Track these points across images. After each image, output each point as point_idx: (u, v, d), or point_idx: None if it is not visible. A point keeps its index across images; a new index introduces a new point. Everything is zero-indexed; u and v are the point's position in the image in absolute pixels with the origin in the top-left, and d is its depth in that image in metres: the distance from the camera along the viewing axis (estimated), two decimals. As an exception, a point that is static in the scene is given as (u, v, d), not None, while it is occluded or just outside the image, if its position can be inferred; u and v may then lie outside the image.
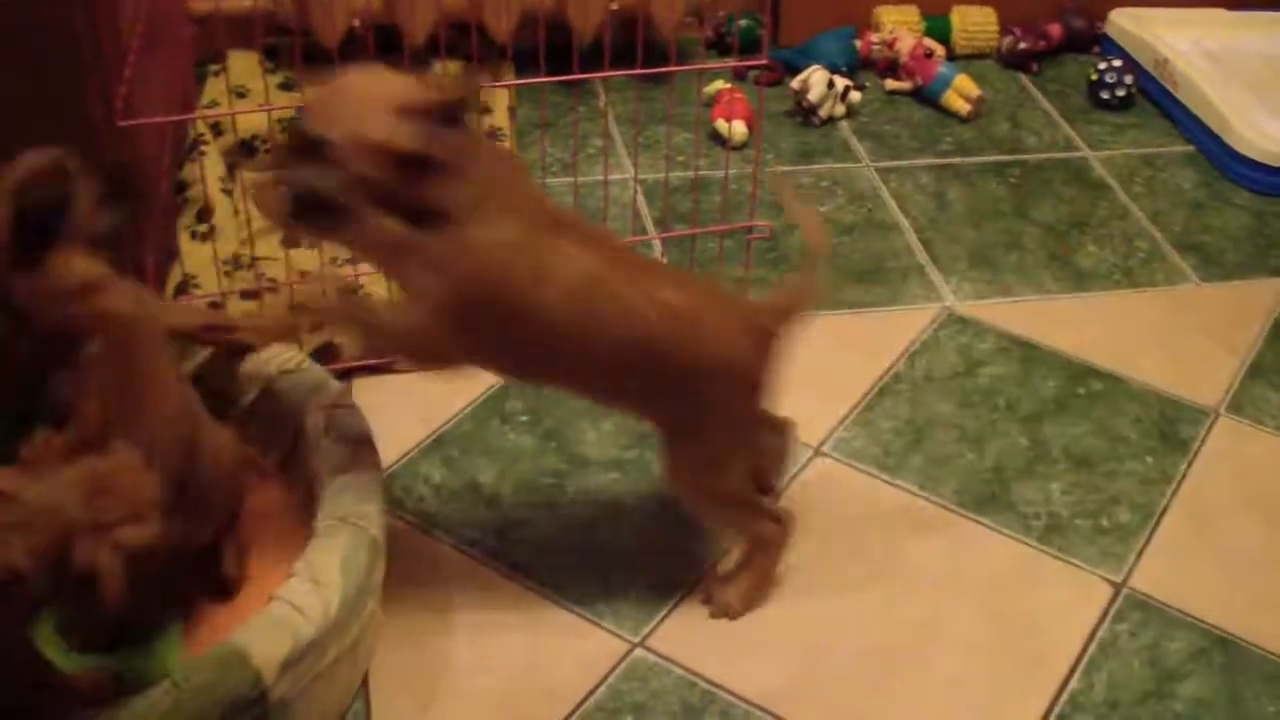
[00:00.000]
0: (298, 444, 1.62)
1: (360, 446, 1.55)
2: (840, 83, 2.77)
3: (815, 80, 2.74)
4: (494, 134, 2.52)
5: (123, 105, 1.80)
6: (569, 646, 1.66)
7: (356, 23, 2.67)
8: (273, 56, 2.76)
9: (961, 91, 2.82)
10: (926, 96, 2.86)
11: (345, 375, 1.99)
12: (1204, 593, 1.79)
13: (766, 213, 2.36)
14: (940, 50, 2.90)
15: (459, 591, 1.72)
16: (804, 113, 2.76)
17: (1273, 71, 2.86)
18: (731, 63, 2.84)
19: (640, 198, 2.47)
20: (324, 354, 2.01)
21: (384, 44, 2.68)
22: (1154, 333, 2.27)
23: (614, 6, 2.72)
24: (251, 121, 2.43)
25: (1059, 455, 2.00)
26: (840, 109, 2.78)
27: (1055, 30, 3.07)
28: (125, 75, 1.86)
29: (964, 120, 2.81)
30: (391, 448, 1.89)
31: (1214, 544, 1.87)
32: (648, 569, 1.77)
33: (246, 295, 2.08)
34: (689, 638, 1.68)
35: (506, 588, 1.73)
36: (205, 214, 2.23)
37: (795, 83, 2.75)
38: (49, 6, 1.67)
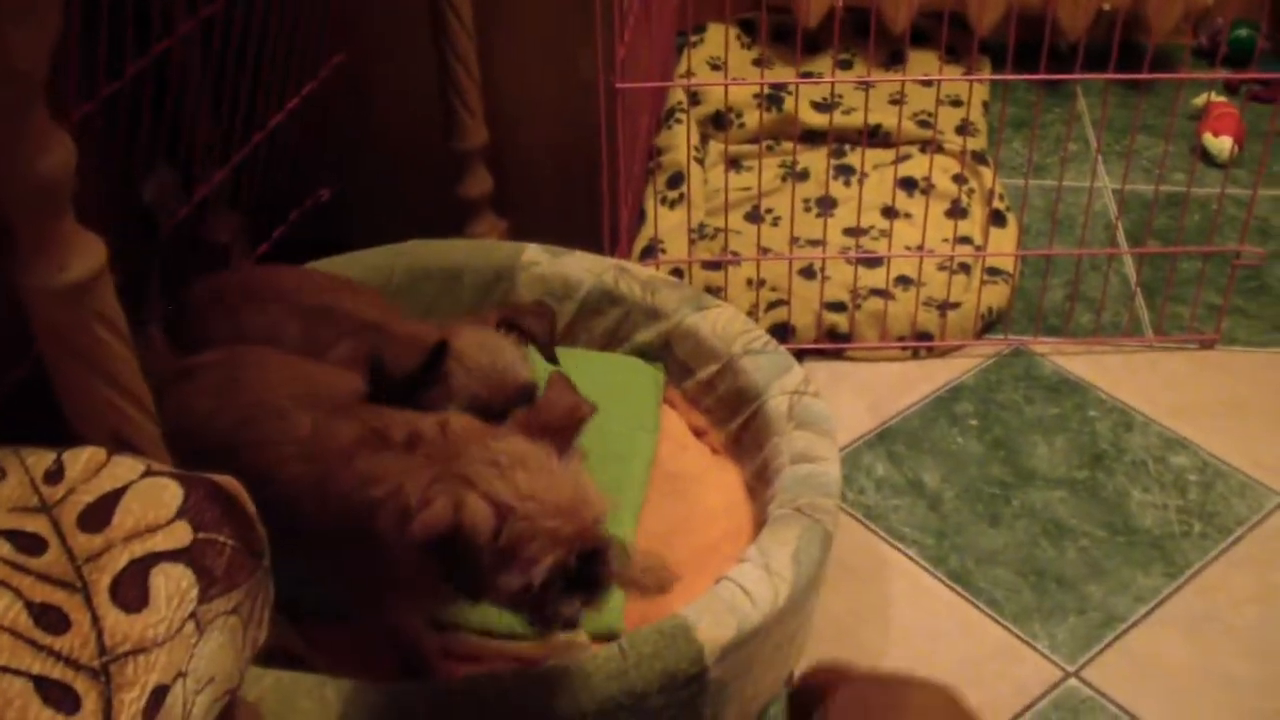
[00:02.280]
0: (753, 424, 1.63)
1: (822, 436, 1.55)
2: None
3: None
4: (968, 130, 2.48)
5: (620, 69, 1.86)
6: (1000, 665, 1.62)
7: (839, 3, 2.67)
8: (750, 31, 2.80)
9: None
10: None
11: (798, 357, 2.00)
12: None
13: (1255, 239, 2.23)
14: None
15: (894, 590, 1.71)
16: (1300, 134, 2.59)
17: None
18: (1224, 76, 2.69)
19: (1113, 209, 2.38)
20: (779, 332, 2.03)
21: (859, 27, 2.69)
22: None
23: (1106, 6, 2.62)
24: (722, 94, 2.47)
25: None
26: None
27: None
28: (625, 39, 1.92)
29: None
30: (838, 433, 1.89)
31: None
32: (1089, 597, 1.70)
33: (709, 265, 2.12)
34: (1128, 675, 1.61)
35: (942, 594, 1.70)
36: (677, 180, 2.28)
37: (1297, 102, 2.58)
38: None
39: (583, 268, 1.79)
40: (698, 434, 1.70)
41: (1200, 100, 2.59)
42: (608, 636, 1.35)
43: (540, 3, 1.94)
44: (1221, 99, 2.58)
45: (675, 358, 1.73)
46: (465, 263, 1.81)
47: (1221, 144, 2.49)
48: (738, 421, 1.66)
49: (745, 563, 1.38)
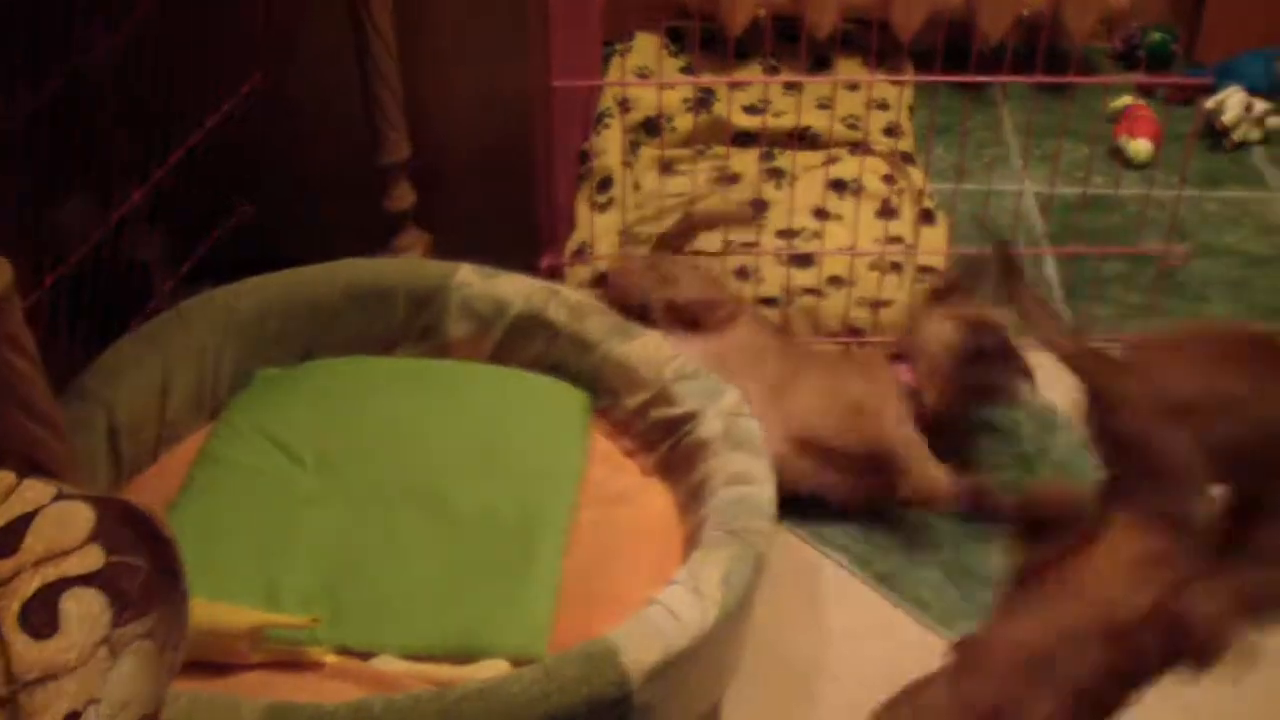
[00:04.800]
0: (686, 446, 1.63)
1: (757, 458, 1.55)
2: (1259, 105, 2.63)
3: (1231, 102, 2.61)
4: (895, 132, 2.50)
5: (554, 68, 1.87)
6: (928, 664, 1.63)
7: (761, 12, 2.69)
8: (677, 40, 2.81)
9: None
10: (1358, 125, 2.68)
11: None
12: None
13: (1174, 238, 2.26)
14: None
15: (822, 593, 1.72)
16: (1216, 135, 2.63)
17: None
18: (1142, 80, 2.73)
19: (1035, 211, 2.41)
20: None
21: (786, 34, 2.71)
22: None
23: (1025, 12, 2.65)
24: (656, 100, 2.48)
25: None
26: (1256, 134, 2.64)
27: None
28: (557, 40, 1.93)
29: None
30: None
31: None
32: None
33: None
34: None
35: (869, 596, 1.72)
36: (607, 184, 2.29)
37: (1210, 103, 2.63)
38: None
39: (514, 289, 1.77)
40: (628, 456, 1.69)
41: (1119, 103, 2.63)
42: (530, 660, 1.34)
43: (462, 14, 1.95)
44: (1139, 102, 2.61)
45: (604, 384, 1.72)
46: (399, 282, 1.79)
47: (1139, 146, 2.52)
48: (669, 444, 1.65)
49: (675, 585, 1.38)
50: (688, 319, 1.87)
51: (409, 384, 1.69)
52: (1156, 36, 2.83)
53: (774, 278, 2.13)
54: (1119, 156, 2.56)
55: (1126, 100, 2.63)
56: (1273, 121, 2.65)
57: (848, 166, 2.38)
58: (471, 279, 1.78)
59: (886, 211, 2.30)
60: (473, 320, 1.74)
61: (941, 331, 1.85)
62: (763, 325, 1.97)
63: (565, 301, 1.77)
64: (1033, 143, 2.55)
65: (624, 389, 1.68)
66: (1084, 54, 2.76)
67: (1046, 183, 2.47)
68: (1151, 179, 2.47)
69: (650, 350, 1.69)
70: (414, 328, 1.77)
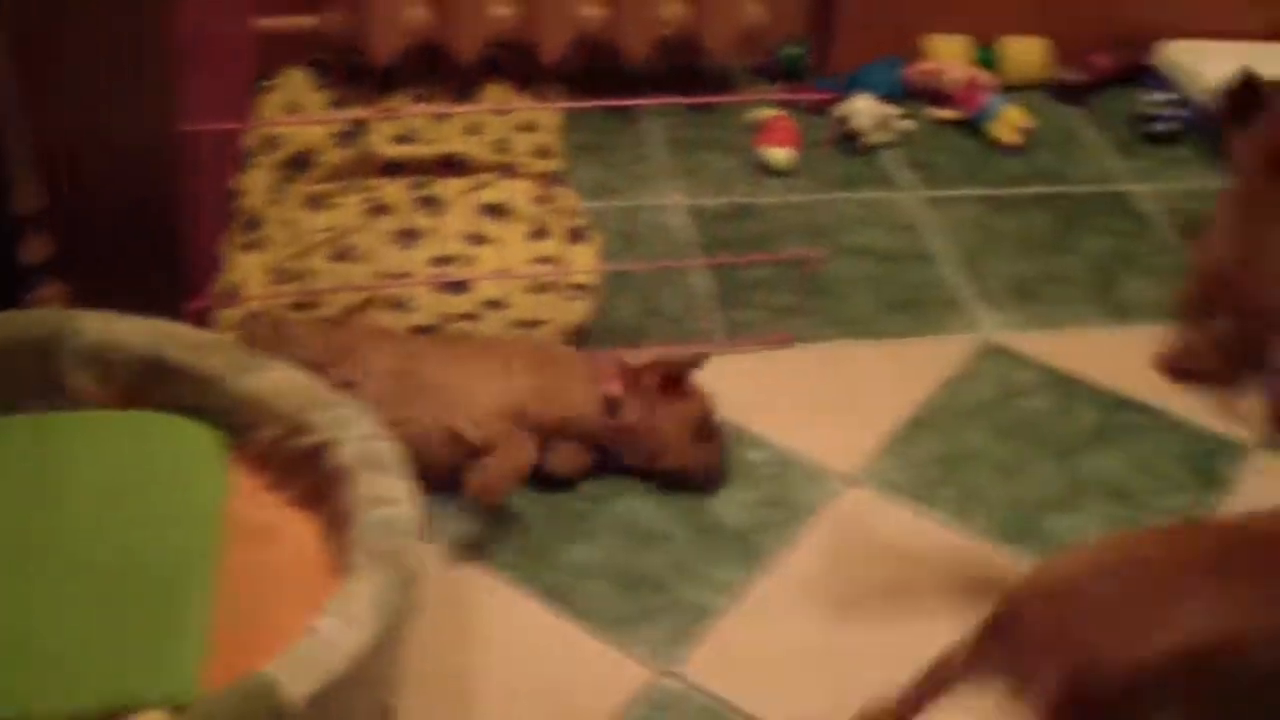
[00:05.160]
0: (325, 473, 1.62)
1: (396, 478, 1.56)
2: (887, 111, 2.78)
3: (860, 108, 2.75)
4: (544, 153, 2.55)
5: (197, 109, 1.85)
6: (597, 673, 1.68)
7: (406, 41, 2.70)
8: (325, 73, 2.80)
9: (1010, 122, 2.82)
10: (974, 126, 2.86)
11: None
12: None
13: (816, 240, 2.38)
14: (989, 80, 2.90)
15: (489, 613, 1.74)
16: (849, 141, 2.76)
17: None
18: (780, 94, 2.85)
19: (685, 224, 2.49)
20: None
21: (433, 64, 2.73)
22: (1195, 368, 2.26)
23: (666, 31, 2.74)
24: (304, 136, 2.47)
25: (1094, 488, 1.99)
26: (886, 137, 2.78)
27: (1106, 62, 3.06)
28: (199, 81, 1.90)
29: (1010, 151, 2.81)
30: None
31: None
32: (680, 597, 1.78)
33: (291, 306, 2.11)
34: (721, 666, 1.69)
35: (536, 612, 1.75)
36: (254, 224, 2.26)
37: (842, 110, 2.76)
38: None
39: (132, 332, 1.70)
40: (270, 490, 1.67)
41: (759, 114, 2.74)
42: (183, 706, 1.32)
43: (97, 57, 1.90)
44: (778, 112, 2.73)
45: (239, 420, 1.69)
46: (12, 336, 1.69)
47: (780, 155, 2.64)
48: (309, 474, 1.63)
49: (327, 613, 1.38)
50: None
51: (33, 440, 1.62)
52: (791, 50, 2.96)
53: (429, 305, 2.14)
54: (762, 166, 2.66)
55: (767, 111, 2.74)
56: (901, 125, 2.80)
57: (498, 190, 2.42)
58: (88, 326, 1.70)
59: (538, 233, 2.34)
60: (96, 368, 1.68)
61: None
62: (407, 341, 1.99)
63: (186, 340, 1.71)
64: (680, 157, 2.64)
65: (258, 423, 1.66)
66: (723, 70, 2.87)
67: (695, 195, 2.55)
68: (793, 186, 2.58)
69: (281, 382, 1.67)
70: (35, 382, 1.70)
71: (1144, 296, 2.41)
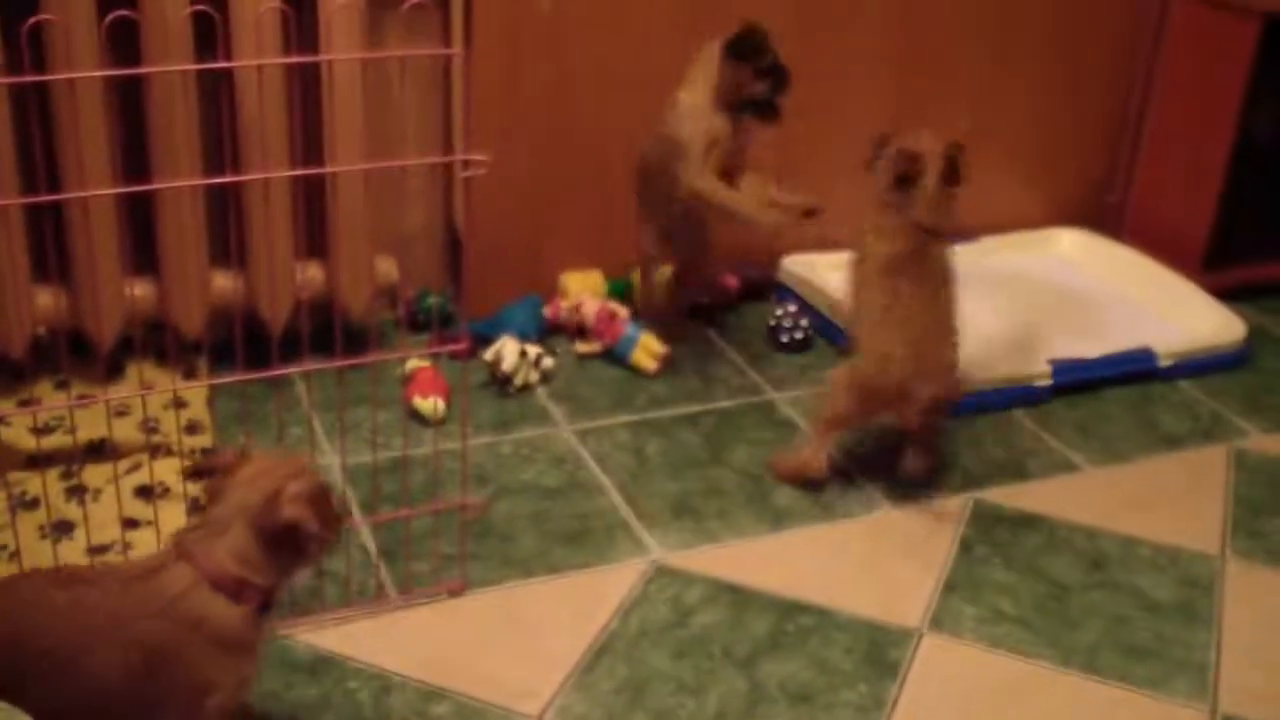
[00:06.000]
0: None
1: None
2: (532, 350, 2.84)
3: (507, 351, 2.80)
4: (194, 427, 2.50)
5: None
6: None
7: (42, 330, 2.63)
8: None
9: (648, 349, 2.93)
10: (616, 357, 2.95)
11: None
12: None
13: (478, 484, 2.39)
14: (624, 311, 3.01)
15: None
16: (499, 383, 2.81)
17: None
18: (425, 347, 2.88)
19: (342, 483, 2.47)
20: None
21: (74, 348, 2.66)
22: (855, 561, 2.36)
23: (304, 296, 2.75)
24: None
25: (777, 694, 2.04)
26: (535, 376, 2.85)
27: (732, 281, 3.24)
28: None
29: (653, 377, 2.91)
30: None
31: (932, 764, 1.93)
32: None
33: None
34: None
35: None
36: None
37: (489, 354, 2.81)
38: None
39: None
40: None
41: (407, 367, 2.77)
42: None
43: None
44: (424, 363, 2.76)
45: None
46: None
47: (430, 404, 2.66)
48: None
49: None
50: None
51: None
52: (434, 300, 3.01)
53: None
54: (416, 417, 2.67)
55: (414, 363, 2.76)
56: (547, 363, 2.87)
57: (149, 472, 2.35)
58: None
59: (195, 509, 2.28)
60: None
61: None
62: None
63: None
64: (332, 418, 2.63)
65: None
66: (374, 325, 2.90)
67: (351, 453, 2.54)
68: (449, 433, 2.60)
69: None
70: None
71: (797, 501, 2.51)
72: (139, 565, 1.71)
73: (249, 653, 1.69)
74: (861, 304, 2.49)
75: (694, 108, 2.65)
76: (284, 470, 1.71)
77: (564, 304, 3.06)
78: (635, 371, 2.93)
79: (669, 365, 2.94)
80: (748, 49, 2.57)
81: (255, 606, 1.68)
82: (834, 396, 2.49)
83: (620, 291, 3.13)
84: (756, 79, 2.59)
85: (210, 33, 2.29)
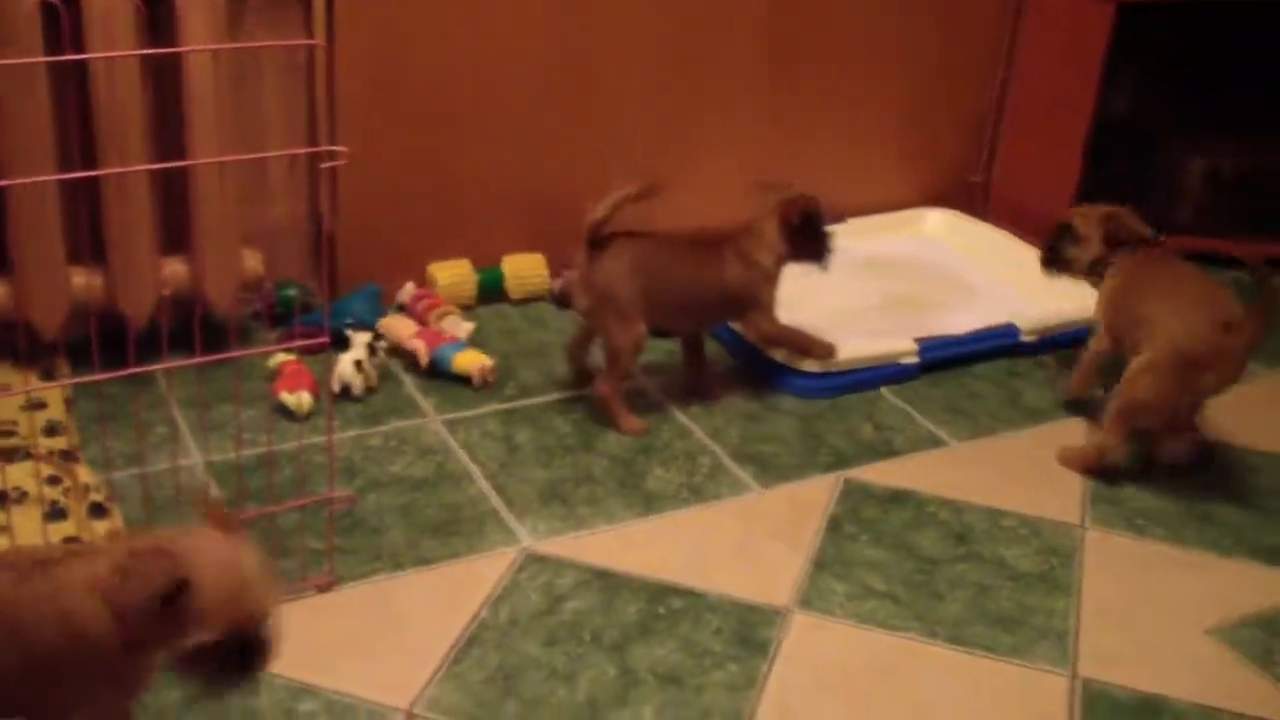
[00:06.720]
0: None
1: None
2: (362, 348, 2.77)
3: (341, 366, 2.73)
4: (53, 429, 2.45)
5: None
6: None
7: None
8: None
9: (470, 361, 2.85)
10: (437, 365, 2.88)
11: None
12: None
13: (348, 478, 2.37)
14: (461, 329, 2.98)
15: None
16: (344, 396, 2.75)
17: (800, 289, 3.06)
18: (274, 346, 2.85)
19: (212, 481, 2.43)
20: None
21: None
22: (725, 543, 2.37)
23: (166, 291, 2.70)
24: None
25: (648, 677, 2.04)
26: (374, 375, 2.77)
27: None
28: None
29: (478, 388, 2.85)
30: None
31: (800, 740, 1.95)
32: None
33: None
34: None
35: None
36: None
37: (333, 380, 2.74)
38: None
39: None
40: None
41: (273, 362, 2.73)
42: None
43: None
44: (291, 358, 2.72)
45: None
46: None
47: (298, 399, 2.63)
48: None
49: None
50: None
51: None
52: (290, 292, 2.98)
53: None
54: (283, 412, 2.64)
55: (280, 357, 2.73)
56: (382, 347, 2.81)
57: (8, 475, 2.30)
58: None
59: (55, 514, 2.24)
60: None
61: None
62: None
63: None
64: (199, 415, 2.59)
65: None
66: (237, 319, 2.86)
67: (217, 450, 2.51)
68: (316, 427, 2.58)
69: None
70: None
71: (668, 483, 2.52)
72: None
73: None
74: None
75: (764, 267, 2.78)
76: None
77: (414, 292, 3.07)
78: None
79: (490, 379, 2.86)
80: (815, 231, 2.78)
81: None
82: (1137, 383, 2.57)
83: (491, 280, 3.12)
84: (817, 244, 2.80)
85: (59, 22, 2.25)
